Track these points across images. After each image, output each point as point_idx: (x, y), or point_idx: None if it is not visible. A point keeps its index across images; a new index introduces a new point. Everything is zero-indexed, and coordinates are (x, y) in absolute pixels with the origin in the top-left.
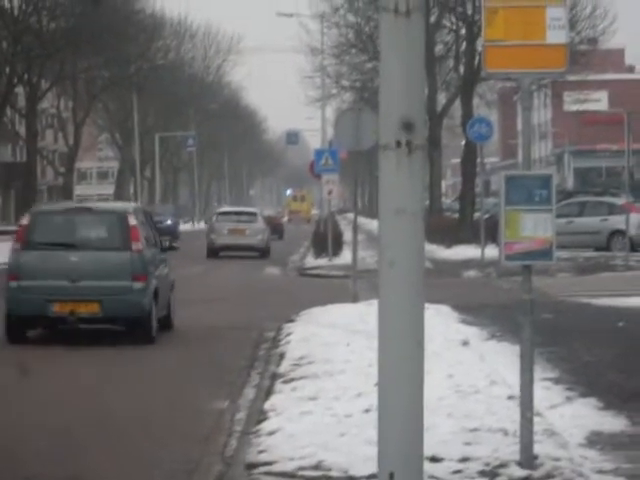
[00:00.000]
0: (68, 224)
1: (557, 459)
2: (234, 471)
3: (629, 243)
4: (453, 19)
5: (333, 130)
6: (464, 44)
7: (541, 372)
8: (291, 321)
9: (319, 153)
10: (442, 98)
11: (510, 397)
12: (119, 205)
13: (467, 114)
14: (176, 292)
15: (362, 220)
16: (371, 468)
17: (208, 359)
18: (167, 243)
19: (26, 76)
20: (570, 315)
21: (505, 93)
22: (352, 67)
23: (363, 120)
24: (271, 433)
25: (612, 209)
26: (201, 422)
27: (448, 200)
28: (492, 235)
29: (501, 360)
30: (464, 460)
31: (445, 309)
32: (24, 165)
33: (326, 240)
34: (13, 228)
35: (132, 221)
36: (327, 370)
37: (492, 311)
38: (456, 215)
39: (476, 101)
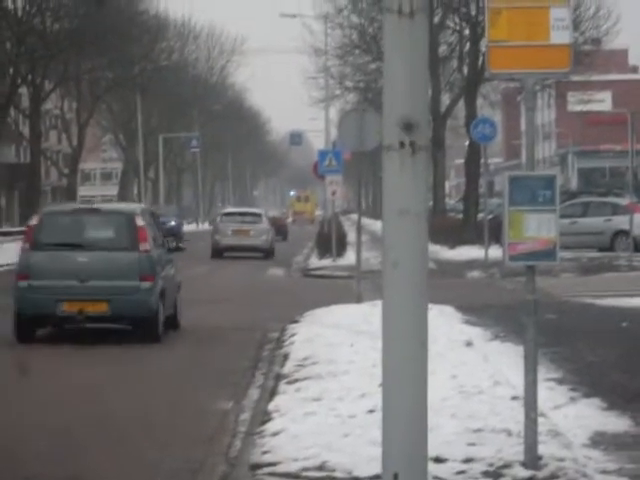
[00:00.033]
0: (77, 225)
1: (561, 459)
2: (238, 472)
3: (633, 243)
4: (457, 20)
5: (337, 131)
6: (468, 45)
7: (545, 372)
8: (295, 322)
9: (323, 154)
10: (446, 99)
11: (514, 398)
12: (127, 206)
13: (471, 115)
14: (181, 292)
15: (366, 221)
16: (375, 469)
17: (213, 359)
18: (174, 244)
19: (30, 77)
20: (574, 315)
21: (509, 94)
22: (356, 68)
23: (367, 121)
24: (275, 434)
25: (616, 209)
26: (205, 422)
27: (452, 201)
28: (496, 236)
29: (505, 360)
30: (468, 461)
31: (449, 310)
32: (28, 166)
33: (330, 241)
34: (17, 229)
35: (140, 222)
36: (331, 371)
37: (496, 312)
38: (460, 216)
39: (480, 102)
